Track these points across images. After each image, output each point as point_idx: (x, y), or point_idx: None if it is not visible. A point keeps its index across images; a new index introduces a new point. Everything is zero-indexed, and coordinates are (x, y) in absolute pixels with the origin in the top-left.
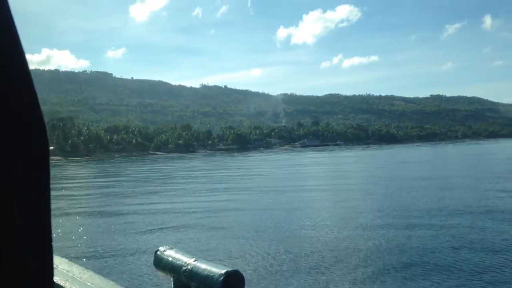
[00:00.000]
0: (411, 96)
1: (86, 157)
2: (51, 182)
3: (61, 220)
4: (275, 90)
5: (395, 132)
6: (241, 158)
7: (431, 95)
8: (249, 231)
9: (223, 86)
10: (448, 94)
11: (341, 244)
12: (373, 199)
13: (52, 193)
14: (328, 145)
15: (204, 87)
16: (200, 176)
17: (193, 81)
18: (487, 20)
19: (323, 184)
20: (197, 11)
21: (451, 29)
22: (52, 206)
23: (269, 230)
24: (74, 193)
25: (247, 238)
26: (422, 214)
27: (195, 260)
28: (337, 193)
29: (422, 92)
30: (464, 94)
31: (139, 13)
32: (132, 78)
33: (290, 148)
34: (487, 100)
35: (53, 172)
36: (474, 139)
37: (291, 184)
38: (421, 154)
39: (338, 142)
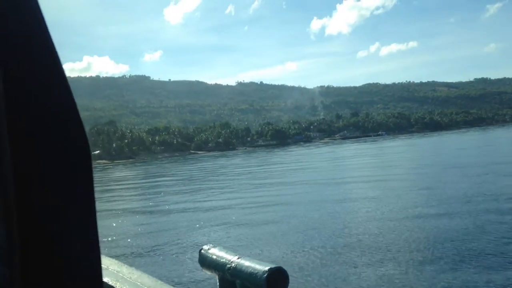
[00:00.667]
0: (454, 81)
1: (130, 159)
2: (96, 184)
3: (113, 222)
4: (311, 83)
5: (439, 119)
6: (282, 154)
7: (475, 79)
8: (303, 225)
9: (258, 82)
10: (493, 77)
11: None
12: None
13: (103, 195)
14: (370, 136)
15: (240, 84)
16: (248, 172)
17: (229, 79)
18: None
19: (381, 174)
20: (230, 8)
21: (492, 8)
22: (104, 207)
23: (326, 223)
24: (124, 193)
25: (302, 232)
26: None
27: (238, 258)
28: (400, 183)
29: (466, 76)
30: (510, 76)
31: (173, 15)
32: (169, 79)
33: (330, 140)
34: None
35: (100, 174)
36: None
37: (361, 174)
38: (474, 140)
39: (380, 132)
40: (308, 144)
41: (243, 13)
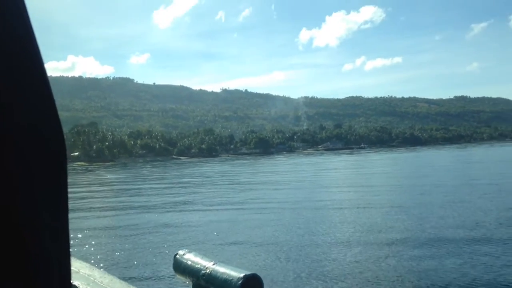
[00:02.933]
0: (435, 98)
1: (110, 162)
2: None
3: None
4: (296, 93)
5: (420, 134)
6: (270, 162)
7: (455, 97)
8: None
9: (244, 90)
10: (472, 95)
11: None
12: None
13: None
14: (352, 148)
15: (225, 91)
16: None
17: (214, 86)
18: None
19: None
20: (220, 15)
21: (477, 28)
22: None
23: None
24: (98, 195)
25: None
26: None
27: (214, 264)
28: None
29: (446, 93)
30: (489, 95)
31: (162, 19)
32: (154, 83)
33: (314, 151)
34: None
35: (77, 177)
36: (501, 141)
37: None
38: (456, 156)
39: (362, 145)
40: (291, 154)
41: (233, 20)
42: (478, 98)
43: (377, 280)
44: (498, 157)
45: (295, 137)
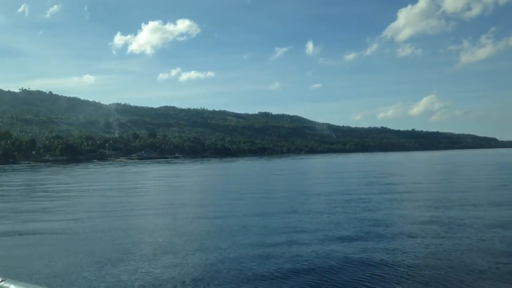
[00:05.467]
0: (242, 113)
1: None
2: None
3: None
4: (108, 99)
5: (230, 146)
6: (84, 172)
7: (259, 112)
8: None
9: (47, 92)
10: (274, 112)
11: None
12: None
13: None
14: (167, 158)
15: (25, 91)
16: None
17: (11, 85)
18: (310, 46)
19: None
20: (24, 8)
21: (280, 51)
22: None
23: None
24: None
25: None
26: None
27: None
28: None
29: (252, 109)
30: (287, 113)
31: None
32: None
33: (127, 160)
34: (306, 119)
35: None
36: (297, 154)
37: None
38: (270, 168)
39: (177, 155)
40: (103, 162)
41: (39, 16)
42: (278, 115)
43: None
44: (297, 168)
45: (107, 144)
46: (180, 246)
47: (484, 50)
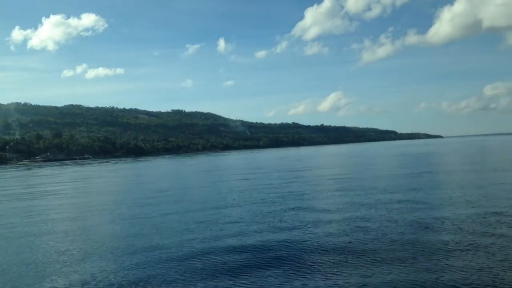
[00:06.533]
0: (154, 110)
1: None
2: None
3: None
4: (6, 98)
5: (143, 145)
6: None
7: (172, 110)
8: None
9: None
10: (187, 109)
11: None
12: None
13: None
14: (75, 159)
15: None
16: None
17: None
18: (221, 43)
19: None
20: None
21: (192, 48)
22: None
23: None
24: None
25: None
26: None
27: None
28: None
29: (164, 106)
30: (201, 110)
31: None
32: None
33: (30, 162)
34: (220, 116)
35: None
36: (213, 150)
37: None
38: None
39: (86, 156)
40: (4, 166)
41: None
42: (192, 112)
43: None
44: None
45: (7, 147)
46: (92, 251)
47: (384, 48)
